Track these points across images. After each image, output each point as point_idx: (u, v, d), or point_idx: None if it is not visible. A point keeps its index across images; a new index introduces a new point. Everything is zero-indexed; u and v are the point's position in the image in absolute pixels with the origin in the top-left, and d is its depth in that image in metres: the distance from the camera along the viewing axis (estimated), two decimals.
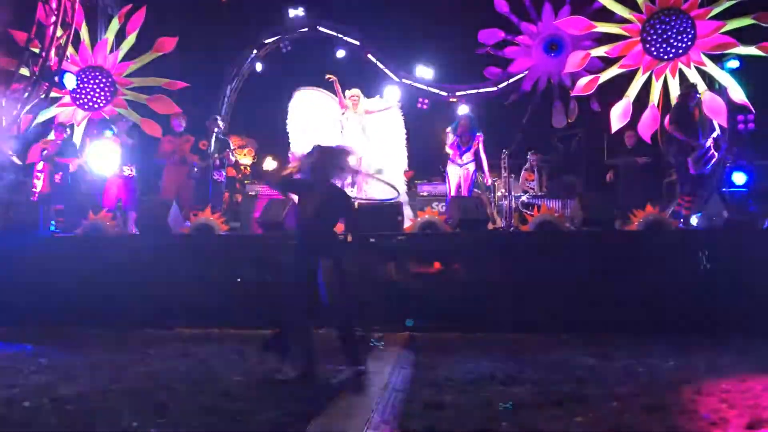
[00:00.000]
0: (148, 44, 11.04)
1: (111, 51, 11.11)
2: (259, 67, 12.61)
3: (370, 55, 12.04)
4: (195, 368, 5.01)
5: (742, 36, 9.45)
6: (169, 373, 4.87)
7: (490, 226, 8.49)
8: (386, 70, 11.88)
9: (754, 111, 9.66)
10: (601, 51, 10.18)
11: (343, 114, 9.69)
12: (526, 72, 11.50)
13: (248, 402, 4.00)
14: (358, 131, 9.56)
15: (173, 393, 4.25)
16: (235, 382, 4.54)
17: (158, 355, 5.52)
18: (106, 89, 11.00)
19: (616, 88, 10.15)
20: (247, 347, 5.82)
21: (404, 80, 11.85)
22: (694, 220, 7.81)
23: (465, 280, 6.74)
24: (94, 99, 10.97)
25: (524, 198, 10.18)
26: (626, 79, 10.11)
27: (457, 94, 11.94)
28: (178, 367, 5.06)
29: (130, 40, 11.02)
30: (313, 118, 10.17)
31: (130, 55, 11.09)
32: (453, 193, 9.30)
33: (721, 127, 9.62)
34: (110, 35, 11.14)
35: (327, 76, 9.60)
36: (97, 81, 10.97)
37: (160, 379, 4.64)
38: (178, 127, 9.73)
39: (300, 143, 9.98)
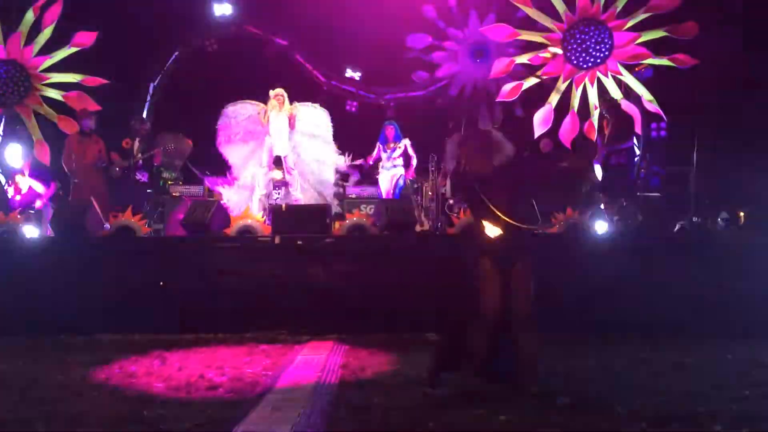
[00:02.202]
0: (65, 38, 10.58)
1: (25, 45, 10.59)
2: (184, 65, 12.29)
3: (298, 56, 11.96)
4: (114, 375, 4.84)
5: (655, 47, 9.92)
6: (87, 380, 4.69)
7: (418, 228, 8.59)
8: (314, 72, 11.82)
9: (666, 119, 10.15)
10: (524, 58, 10.46)
11: (267, 114, 9.51)
12: (453, 77, 11.70)
13: (170, 408, 3.91)
14: (284, 130, 9.46)
15: (91, 401, 4.10)
16: (156, 389, 4.42)
17: (75, 363, 5.31)
18: (20, 84, 10.47)
19: (538, 95, 10.45)
20: (170, 353, 5.68)
21: (332, 82, 11.82)
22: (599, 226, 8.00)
23: (393, 282, 6.78)
24: (7, 94, 10.41)
25: (451, 201, 10.34)
26: (548, 86, 10.42)
27: (385, 97, 12.02)
28: (96, 374, 4.88)
29: (46, 33, 10.52)
30: (241, 131, 9.92)
31: (46, 50, 10.60)
32: (383, 197, 9.43)
33: (635, 134, 10.09)
34: (24, 28, 10.60)
35: None
36: (9, 75, 10.42)
37: (76, 388, 4.46)
38: (87, 126, 9.34)
39: (234, 157, 9.82)
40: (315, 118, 9.92)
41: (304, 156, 9.73)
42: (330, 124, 9.99)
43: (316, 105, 10.16)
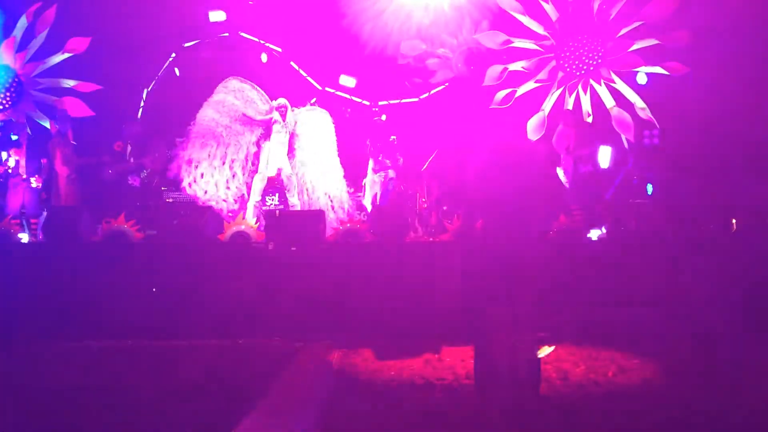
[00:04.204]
0: (59, 44, 10.57)
1: (18, 50, 10.56)
2: (177, 71, 12.27)
3: (292, 63, 11.98)
4: (106, 382, 4.81)
5: (647, 55, 9.99)
6: (78, 388, 4.66)
7: (412, 234, 8.58)
8: (309, 78, 11.83)
9: (658, 126, 10.21)
10: (518, 66, 10.51)
11: (273, 124, 9.43)
12: (447, 84, 11.74)
13: (162, 416, 3.88)
14: (284, 147, 9.38)
15: (82, 409, 4.07)
16: (148, 397, 4.39)
17: (66, 370, 5.27)
18: (13, 90, 10.45)
19: (532, 102, 10.49)
20: (161, 359, 5.66)
21: (326, 88, 11.82)
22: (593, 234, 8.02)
23: (387, 288, 6.77)
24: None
25: (445, 207, 10.33)
26: (541, 93, 10.47)
27: (379, 103, 12.03)
28: (88, 381, 4.85)
29: (40, 39, 10.53)
30: (239, 107, 9.66)
31: (39, 55, 10.58)
32: (371, 202, 9.35)
33: (628, 141, 10.16)
34: (18, 33, 10.59)
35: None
36: (2, 81, 10.40)
37: (67, 395, 4.43)
38: (65, 126, 9.29)
39: (214, 124, 9.56)
40: (316, 121, 9.79)
41: (311, 161, 9.57)
42: (332, 125, 9.88)
43: (315, 106, 10.05)
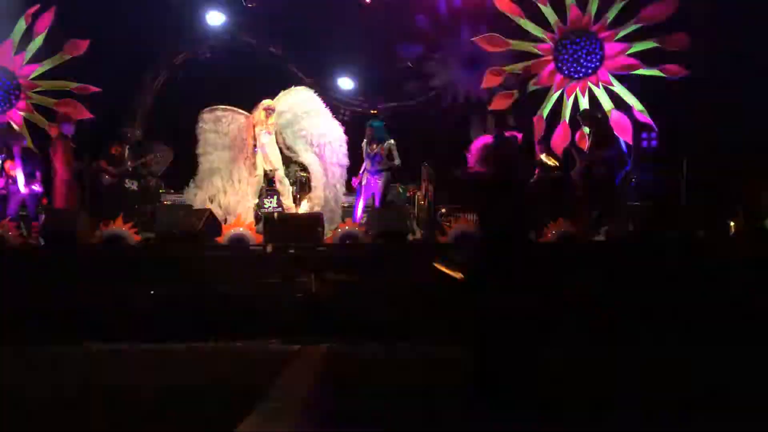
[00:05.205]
0: (57, 46, 10.57)
1: (16, 52, 10.56)
2: (176, 73, 12.29)
3: (290, 66, 11.98)
4: (106, 386, 4.80)
5: (645, 57, 10.01)
6: (78, 392, 4.64)
7: (411, 237, 8.58)
8: (307, 81, 11.82)
9: (656, 129, 10.23)
10: (516, 68, 10.53)
11: (260, 125, 9.37)
12: (445, 87, 11.75)
13: (163, 419, 3.88)
14: (273, 144, 9.35)
15: (82, 413, 4.06)
16: (148, 400, 4.38)
17: (65, 373, 5.26)
18: (11, 92, 10.44)
19: (530, 105, 10.50)
20: (162, 362, 5.65)
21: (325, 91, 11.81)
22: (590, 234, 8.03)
23: (385, 290, 6.77)
24: None
25: (443, 209, 10.33)
26: (540, 96, 10.49)
27: (378, 106, 12.04)
28: (88, 385, 4.83)
29: (38, 41, 10.52)
30: (222, 137, 9.63)
31: (37, 57, 10.57)
32: (365, 203, 9.32)
33: (626, 143, 10.18)
34: (16, 36, 10.58)
35: None
36: (0, 83, 10.40)
37: (67, 399, 4.42)
38: (69, 131, 9.25)
39: (210, 165, 9.54)
40: (298, 99, 9.70)
41: (308, 135, 9.51)
42: (317, 97, 9.76)
43: (296, 87, 9.96)
